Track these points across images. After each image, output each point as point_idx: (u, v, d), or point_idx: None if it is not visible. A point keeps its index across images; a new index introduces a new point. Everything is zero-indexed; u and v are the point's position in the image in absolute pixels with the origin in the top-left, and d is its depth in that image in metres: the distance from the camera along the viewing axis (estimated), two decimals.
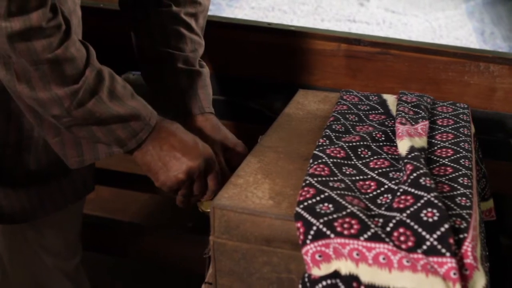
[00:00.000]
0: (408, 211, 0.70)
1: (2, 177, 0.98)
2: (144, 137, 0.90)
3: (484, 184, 1.06)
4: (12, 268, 1.11)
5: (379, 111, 1.02)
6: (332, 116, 0.98)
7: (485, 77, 1.23)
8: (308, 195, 0.75)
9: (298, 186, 0.79)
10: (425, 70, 1.26)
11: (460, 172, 0.83)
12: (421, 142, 0.87)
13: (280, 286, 0.78)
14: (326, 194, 0.75)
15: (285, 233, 0.75)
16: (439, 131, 0.95)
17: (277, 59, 1.34)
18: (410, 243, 0.68)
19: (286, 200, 0.78)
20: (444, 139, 0.92)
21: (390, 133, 0.93)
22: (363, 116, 1.00)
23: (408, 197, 0.72)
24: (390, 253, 0.68)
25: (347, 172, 0.82)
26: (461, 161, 0.86)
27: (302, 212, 0.72)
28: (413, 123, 0.93)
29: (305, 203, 0.74)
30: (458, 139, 0.92)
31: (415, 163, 0.78)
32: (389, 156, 0.87)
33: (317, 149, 0.87)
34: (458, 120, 0.99)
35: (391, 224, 0.70)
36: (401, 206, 0.72)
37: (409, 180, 0.75)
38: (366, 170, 0.83)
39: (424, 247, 0.67)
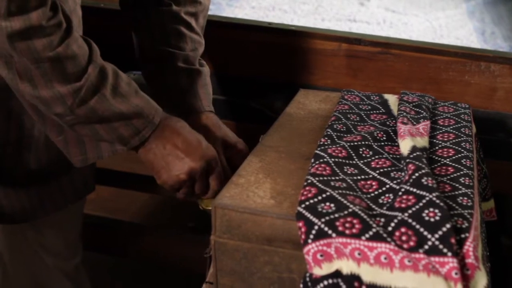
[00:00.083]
0: (409, 211, 0.70)
1: (2, 176, 0.98)
2: (147, 135, 0.89)
3: (485, 184, 1.06)
4: (12, 268, 1.11)
5: (381, 111, 1.02)
6: (333, 115, 0.98)
7: (486, 76, 1.23)
8: (309, 195, 0.75)
9: (299, 185, 0.79)
10: (425, 70, 1.26)
11: (462, 172, 0.83)
12: (422, 142, 0.87)
13: (281, 286, 0.77)
14: (328, 193, 0.75)
15: (286, 233, 0.75)
16: (441, 131, 0.95)
17: (277, 58, 1.34)
18: (411, 243, 0.67)
19: (288, 199, 0.78)
20: (446, 139, 0.92)
21: (391, 133, 0.93)
22: (364, 116, 1.00)
23: (410, 197, 0.72)
24: (391, 252, 0.68)
25: (349, 172, 0.82)
26: (462, 161, 0.86)
27: (304, 211, 0.72)
28: (415, 123, 0.93)
29: (307, 203, 0.73)
30: (459, 139, 0.92)
31: (417, 162, 0.78)
32: (391, 155, 0.87)
33: (318, 149, 0.87)
34: (459, 120, 0.99)
35: (392, 224, 0.70)
36: (403, 205, 0.72)
37: (411, 180, 0.75)
38: (368, 170, 0.83)
39: (426, 247, 0.67)
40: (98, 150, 0.91)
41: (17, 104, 0.93)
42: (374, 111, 1.02)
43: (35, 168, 1.00)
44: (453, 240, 0.67)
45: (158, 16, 1.08)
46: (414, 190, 0.73)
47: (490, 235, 0.92)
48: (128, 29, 1.14)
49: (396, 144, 0.89)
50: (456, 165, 0.84)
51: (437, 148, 0.90)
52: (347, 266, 0.70)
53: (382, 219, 0.71)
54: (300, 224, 0.72)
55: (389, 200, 0.75)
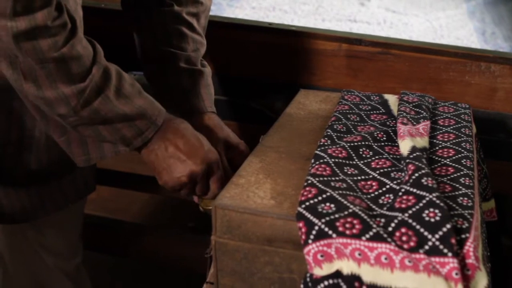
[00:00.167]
0: (410, 211, 0.70)
1: (3, 176, 0.98)
2: (150, 135, 0.90)
3: (485, 185, 1.06)
4: (13, 268, 1.11)
5: (381, 111, 1.02)
6: (333, 116, 0.98)
7: (486, 77, 1.23)
8: (310, 195, 0.75)
9: (299, 186, 0.79)
10: (426, 70, 1.26)
11: (462, 172, 0.83)
12: (422, 142, 0.87)
13: (282, 286, 0.77)
14: (328, 194, 0.75)
15: (287, 233, 0.75)
16: (441, 131, 0.95)
17: (278, 59, 1.34)
18: (412, 243, 0.68)
19: (288, 200, 0.78)
20: (446, 139, 0.92)
21: (391, 133, 0.93)
22: (364, 116, 1.00)
23: (410, 197, 0.72)
24: (392, 253, 0.68)
25: (349, 172, 0.82)
26: (462, 161, 0.86)
27: (304, 212, 0.72)
28: (415, 123, 0.93)
29: (307, 203, 0.73)
30: (459, 139, 0.92)
31: (417, 163, 0.78)
32: (391, 156, 0.87)
33: (318, 149, 0.87)
34: (459, 120, 0.99)
35: (393, 224, 0.70)
36: (403, 206, 0.72)
37: (411, 180, 0.75)
38: (368, 170, 0.83)
39: (426, 247, 0.67)
40: (101, 150, 0.91)
41: (19, 105, 0.93)
42: (374, 111, 1.02)
43: (35, 168, 1.00)
44: (453, 241, 0.67)
45: (160, 16, 1.08)
46: (414, 190, 0.73)
47: (490, 236, 0.92)
48: (129, 29, 1.14)
49: (396, 144, 0.89)
50: (456, 166, 0.84)
51: (437, 148, 0.90)
52: (347, 267, 0.70)
53: (382, 220, 0.71)
54: (301, 224, 0.72)
55: (389, 201, 0.75)
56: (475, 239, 0.70)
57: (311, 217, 0.71)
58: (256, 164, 0.87)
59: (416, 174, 0.75)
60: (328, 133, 0.92)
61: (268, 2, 4.82)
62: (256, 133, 1.00)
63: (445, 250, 0.66)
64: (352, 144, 0.88)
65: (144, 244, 1.60)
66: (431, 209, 0.70)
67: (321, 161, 0.83)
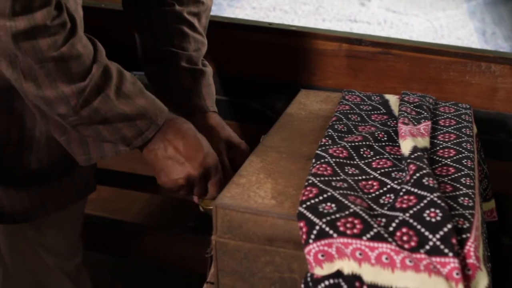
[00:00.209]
0: (411, 211, 0.70)
1: (3, 177, 0.98)
2: (150, 135, 0.89)
3: (486, 185, 1.06)
4: (13, 268, 1.11)
5: (381, 111, 1.02)
6: (334, 116, 0.98)
7: (487, 77, 1.23)
8: (310, 195, 0.75)
9: (300, 185, 0.79)
10: (426, 70, 1.26)
11: (463, 172, 0.83)
12: (423, 142, 0.87)
13: (282, 286, 0.77)
14: (329, 193, 0.75)
15: (287, 233, 0.75)
16: (442, 132, 0.95)
17: (278, 59, 1.34)
18: (413, 243, 0.67)
19: (289, 199, 0.78)
20: (447, 140, 0.92)
21: (392, 133, 0.93)
22: (365, 116, 1.00)
23: (411, 197, 0.72)
24: (393, 253, 0.68)
25: (350, 172, 0.82)
26: (463, 161, 0.86)
27: (305, 211, 0.72)
28: (416, 123, 0.93)
29: (308, 203, 0.73)
30: (460, 140, 0.92)
31: (418, 163, 0.78)
32: (392, 156, 0.87)
33: (319, 149, 0.87)
34: (460, 120, 0.99)
35: (394, 224, 0.70)
36: (404, 206, 0.72)
37: (412, 180, 0.75)
38: (369, 170, 0.83)
39: (427, 247, 0.67)
40: (101, 150, 0.91)
41: (19, 105, 0.93)
42: (375, 112, 1.02)
43: (36, 168, 1.00)
44: (454, 241, 0.67)
45: (161, 16, 1.08)
46: (415, 190, 0.73)
47: (491, 236, 0.92)
48: (130, 29, 1.14)
49: (397, 144, 0.89)
50: (457, 166, 0.84)
51: (438, 148, 0.90)
52: (348, 266, 0.70)
53: (383, 219, 0.71)
54: (301, 224, 0.72)
55: (390, 200, 0.75)
56: (475, 239, 0.70)
57: (312, 217, 0.71)
58: (257, 164, 0.87)
59: (417, 174, 0.75)
60: (329, 133, 0.92)
61: (268, 2, 4.82)
62: (256, 133, 1.00)
63: (446, 250, 0.66)
64: (353, 144, 0.88)
65: (144, 244, 1.60)
66: (432, 209, 0.70)
67: (322, 161, 0.83)
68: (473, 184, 0.80)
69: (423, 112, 0.97)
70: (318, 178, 0.78)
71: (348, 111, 1.00)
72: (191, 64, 1.07)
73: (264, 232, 0.76)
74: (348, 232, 0.69)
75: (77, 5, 0.92)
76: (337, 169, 0.82)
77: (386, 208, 0.74)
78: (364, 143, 0.89)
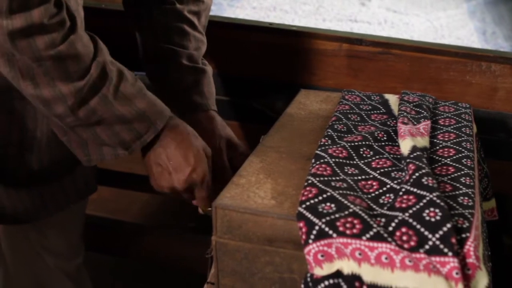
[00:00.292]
0: (410, 211, 0.70)
1: (5, 177, 0.98)
2: (149, 139, 0.89)
3: (486, 184, 1.06)
4: (14, 268, 1.11)
5: (381, 111, 1.02)
6: (334, 116, 0.98)
7: (487, 76, 1.23)
8: (310, 195, 0.75)
9: (300, 186, 0.79)
10: (426, 70, 1.26)
11: (462, 172, 0.83)
12: (423, 141, 0.86)
13: (282, 286, 0.77)
14: (329, 193, 0.75)
15: (287, 233, 0.75)
16: (441, 131, 0.95)
17: (278, 59, 1.34)
18: (412, 243, 0.67)
19: (289, 200, 0.78)
20: (446, 139, 0.92)
21: (392, 133, 0.93)
22: (365, 116, 1.00)
23: (411, 197, 0.72)
24: (392, 252, 0.68)
25: (349, 172, 0.82)
26: (463, 160, 0.86)
27: (305, 211, 0.72)
28: (415, 122, 0.93)
29: (307, 203, 0.73)
30: (460, 139, 0.92)
31: (417, 162, 0.78)
32: (391, 155, 0.87)
33: (319, 149, 0.87)
34: (460, 119, 0.99)
35: (393, 224, 0.70)
36: (404, 205, 0.72)
37: (411, 180, 0.75)
38: (368, 170, 0.83)
39: (427, 246, 0.67)
40: (101, 152, 0.91)
41: (20, 105, 0.92)
42: (375, 111, 1.02)
43: (37, 169, 0.99)
44: (453, 240, 0.67)
45: (161, 14, 1.08)
46: (415, 190, 0.73)
47: (491, 235, 0.92)
48: (130, 29, 1.14)
49: (397, 144, 0.89)
50: (457, 165, 0.84)
51: (437, 148, 0.90)
52: (348, 266, 0.70)
53: (383, 219, 0.71)
54: (301, 224, 0.72)
55: (390, 200, 0.75)
56: (475, 238, 0.69)
57: (312, 217, 0.71)
58: (257, 164, 0.87)
59: (417, 174, 0.75)
60: (329, 133, 0.92)
61: (268, 2, 4.82)
62: (256, 133, 1.00)
63: (446, 250, 0.66)
64: (352, 144, 0.88)
65: (145, 245, 1.60)
66: (432, 209, 0.70)
67: (322, 161, 0.83)
68: (473, 184, 0.80)
69: (422, 111, 0.97)
70: (317, 178, 0.78)
71: (348, 111, 1.00)
72: (192, 62, 1.07)
73: (264, 232, 0.76)
74: (348, 232, 0.69)
75: (78, 5, 0.92)
76: (336, 169, 0.82)
77: (385, 208, 0.74)
78: (363, 143, 0.89)
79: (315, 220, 0.71)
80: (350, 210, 0.71)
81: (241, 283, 0.79)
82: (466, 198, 0.76)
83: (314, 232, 0.71)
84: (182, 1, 1.10)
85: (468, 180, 0.81)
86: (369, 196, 0.77)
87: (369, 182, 0.80)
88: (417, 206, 0.71)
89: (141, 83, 0.90)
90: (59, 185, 1.05)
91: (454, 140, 0.91)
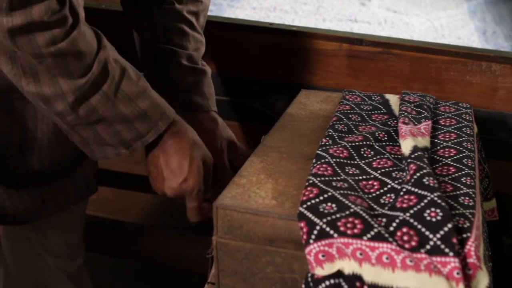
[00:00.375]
0: (411, 211, 0.70)
1: (5, 178, 0.98)
2: (150, 139, 0.88)
3: (486, 184, 1.06)
4: (14, 269, 1.11)
5: (382, 111, 1.02)
6: (334, 116, 0.98)
7: (487, 76, 1.23)
8: (311, 195, 0.75)
9: (301, 186, 0.79)
10: (427, 70, 1.26)
11: (463, 172, 0.83)
12: (424, 142, 0.86)
13: (283, 286, 0.77)
14: (329, 193, 0.75)
15: (288, 233, 0.75)
16: (442, 131, 0.95)
17: (278, 59, 1.34)
18: (413, 243, 0.67)
19: (289, 200, 0.78)
20: (447, 139, 0.92)
21: (393, 133, 0.93)
22: (365, 116, 1.00)
23: (412, 197, 0.72)
24: (393, 252, 0.68)
25: (350, 172, 0.82)
26: (464, 160, 0.86)
27: (305, 211, 0.72)
28: (416, 123, 0.93)
29: (308, 203, 0.73)
30: (461, 139, 0.92)
31: (418, 162, 0.78)
32: (392, 155, 0.87)
33: (320, 149, 0.87)
34: (460, 119, 0.99)
35: (394, 224, 0.70)
36: (405, 205, 0.72)
37: (412, 180, 0.75)
38: (369, 170, 0.83)
39: (428, 246, 0.67)
40: (103, 150, 0.90)
41: (20, 106, 0.92)
42: (376, 111, 1.02)
43: (37, 169, 0.99)
44: (454, 240, 0.67)
45: (160, 14, 1.08)
46: (416, 190, 0.73)
47: (492, 235, 0.92)
48: (130, 29, 1.14)
49: (398, 144, 0.89)
50: (458, 165, 0.84)
51: (438, 148, 0.90)
52: (348, 266, 0.70)
53: (384, 219, 0.71)
54: (302, 224, 0.72)
55: (391, 200, 0.75)
56: (476, 238, 0.69)
57: (313, 217, 0.71)
58: (258, 164, 0.87)
59: (418, 174, 0.75)
60: (330, 133, 0.92)
61: (268, 2, 4.82)
62: (257, 133, 1.00)
63: (447, 250, 0.66)
64: (353, 144, 0.88)
65: (145, 245, 1.60)
66: (433, 209, 0.70)
67: (323, 161, 0.83)
68: (474, 184, 0.80)
69: (423, 111, 0.97)
70: (318, 178, 0.78)
71: (349, 111, 1.00)
72: (192, 63, 1.07)
73: (264, 232, 0.76)
74: (349, 232, 0.69)
75: (79, 6, 0.92)
76: (337, 169, 0.82)
77: (386, 208, 0.74)
78: (364, 143, 0.89)
79: (316, 220, 0.71)
80: (351, 210, 0.71)
81: (242, 283, 0.79)
82: (467, 198, 0.76)
83: (315, 232, 0.71)
84: (181, 1, 1.10)
85: (469, 180, 0.81)
86: (370, 196, 0.77)
87: (370, 182, 0.80)
88: (418, 206, 0.71)
89: (146, 82, 0.88)
90: (59, 185, 1.04)
91: (455, 140, 0.91)
